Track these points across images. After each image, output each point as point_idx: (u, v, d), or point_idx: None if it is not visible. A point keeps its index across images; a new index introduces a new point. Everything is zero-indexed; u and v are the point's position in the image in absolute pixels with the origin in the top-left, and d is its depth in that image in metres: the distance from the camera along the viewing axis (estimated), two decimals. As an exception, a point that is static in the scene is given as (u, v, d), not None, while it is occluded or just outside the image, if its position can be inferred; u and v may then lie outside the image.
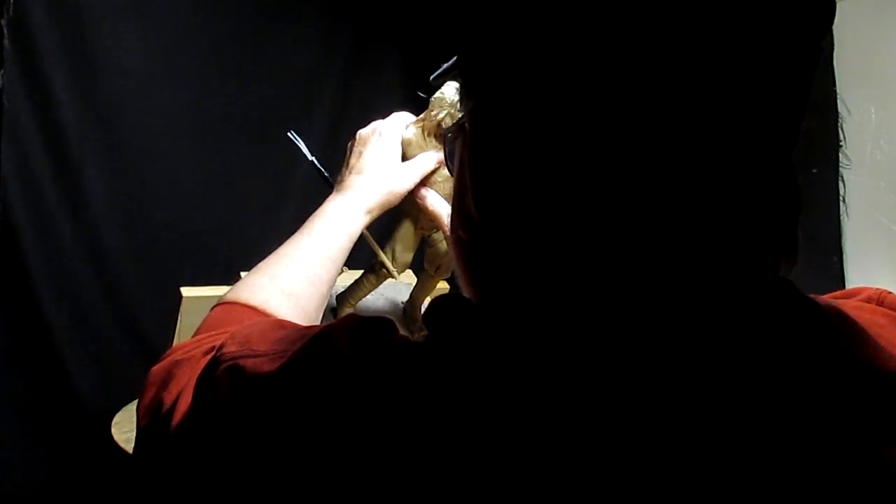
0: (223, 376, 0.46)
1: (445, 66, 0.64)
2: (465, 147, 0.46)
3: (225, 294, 0.73)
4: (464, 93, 0.46)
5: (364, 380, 0.41)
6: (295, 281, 0.75)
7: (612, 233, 0.39)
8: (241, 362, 0.46)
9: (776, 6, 0.38)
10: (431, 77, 0.68)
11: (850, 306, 0.45)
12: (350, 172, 0.86)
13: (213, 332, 0.60)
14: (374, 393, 0.40)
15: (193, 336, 0.63)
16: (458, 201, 0.47)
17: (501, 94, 0.42)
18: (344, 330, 0.44)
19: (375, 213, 0.85)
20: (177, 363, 0.55)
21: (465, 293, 0.49)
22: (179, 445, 0.49)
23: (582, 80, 0.38)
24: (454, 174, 0.49)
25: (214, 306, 0.71)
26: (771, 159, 0.40)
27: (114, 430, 1.31)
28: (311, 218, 0.82)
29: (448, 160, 0.51)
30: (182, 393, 0.51)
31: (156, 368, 0.56)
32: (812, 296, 0.43)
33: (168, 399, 0.52)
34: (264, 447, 0.42)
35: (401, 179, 0.87)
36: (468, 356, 0.40)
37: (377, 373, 0.41)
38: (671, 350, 0.39)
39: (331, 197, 0.85)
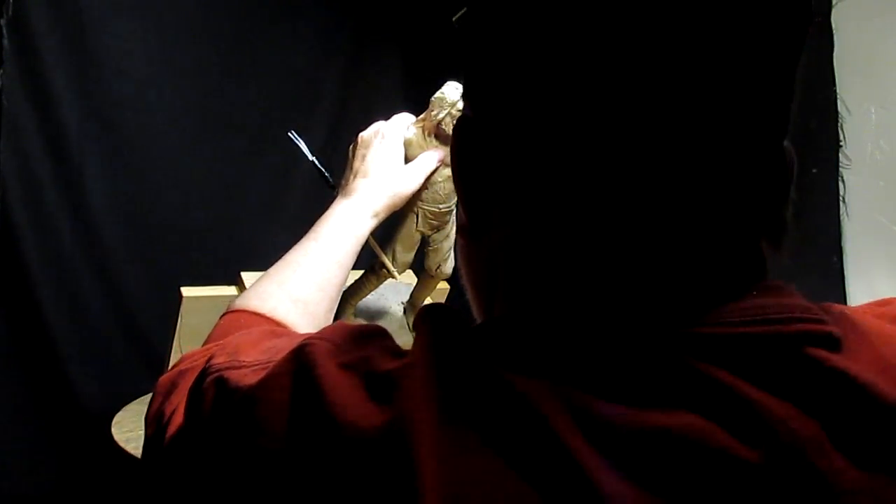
0: (209, 389, 0.46)
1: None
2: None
3: (233, 301, 0.73)
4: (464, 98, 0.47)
5: (339, 394, 0.39)
6: (303, 287, 0.75)
7: (589, 237, 0.39)
8: (227, 374, 0.46)
9: None
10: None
11: (871, 314, 0.44)
12: (354, 176, 0.86)
13: (221, 342, 0.61)
14: (350, 407, 0.39)
15: (203, 345, 0.63)
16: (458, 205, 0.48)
17: (486, 99, 0.42)
18: (327, 341, 0.44)
19: (382, 216, 0.86)
20: (181, 373, 0.55)
21: (468, 295, 0.49)
22: (172, 457, 0.48)
23: (560, 78, 0.38)
24: None
25: (224, 314, 0.71)
26: (759, 144, 0.40)
27: (114, 430, 1.31)
28: (317, 223, 0.82)
29: None
30: (179, 404, 0.51)
31: (163, 378, 0.56)
32: (829, 304, 0.41)
33: (168, 409, 0.52)
34: (243, 461, 0.41)
35: (406, 181, 0.87)
36: (447, 370, 0.39)
37: (353, 387, 0.40)
38: (651, 359, 0.38)
39: (336, 201, 0.85)
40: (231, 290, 1.34)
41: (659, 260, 0.39)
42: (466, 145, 0.44)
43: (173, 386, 0.54)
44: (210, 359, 0.49)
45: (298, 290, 0.74)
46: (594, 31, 0.37)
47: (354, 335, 0.45)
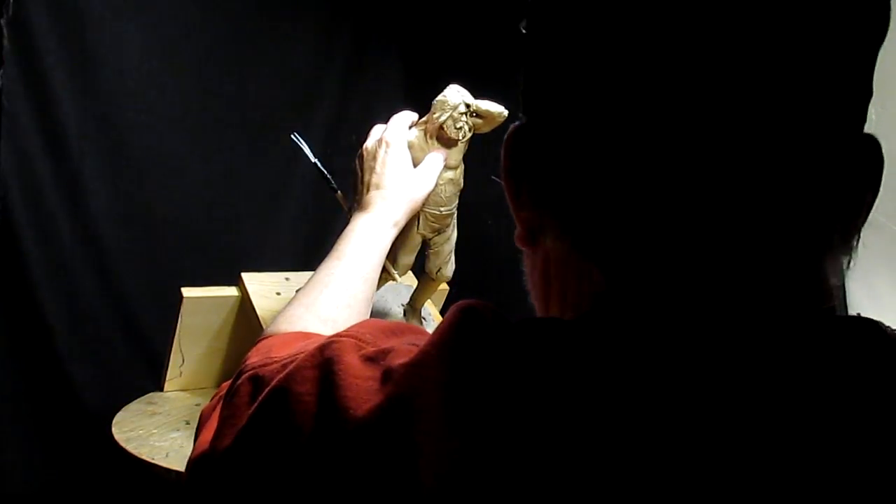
0: (244, 385, 0.47)
1: None
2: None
3: (265, 330, 0.74)
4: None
5: (355, 386, 0.41)
6: (331, 307, 0.76)
7: (649, 248, 0.38)
8: (260, 371, 0.47)
9: None
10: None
11: None
12: (368, 189, 0.87)
13: (255, 347, 0.62)
14: (362, 400, 0.40)
15: None
16: None
17: (545, 105, 0.42)
18: (353, 337, 0.45)
19: (402, 225, 0.87)
20: (219, 398, 0.56)
21: (532, 298, 0.49)
22: (211, 460, 0.48)
23: (622, 81, 0.37)
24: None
25: (257, 342, 0.73)
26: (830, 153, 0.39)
27: (114, 430, 1.31)
28: (339, 240, 0.83)
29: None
30: (213, 417, 0.52)
31: (205, 407, 0.58)
32: None
33: (203, 429, 0.53)
34: (276, 452, 0.42)
35: (420, 186, 0.88)
36: (456, 362, 0.39)
37: (370, 378, 0.41)
38: (715, 381, 0.37)
39: (355, 216, 0.86)
40: (231, 291, 1.34)
41: (720, 289, 0.38)
42: (520, 154, 0.43)
43: (212, 410, 0.55)
44: (244, 361, 0.50)
45: (326, 310, 0.75)
46: (661, 32, 0.36)
47: (384, 330, 0.46)
